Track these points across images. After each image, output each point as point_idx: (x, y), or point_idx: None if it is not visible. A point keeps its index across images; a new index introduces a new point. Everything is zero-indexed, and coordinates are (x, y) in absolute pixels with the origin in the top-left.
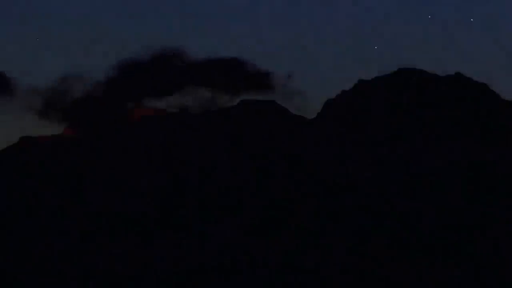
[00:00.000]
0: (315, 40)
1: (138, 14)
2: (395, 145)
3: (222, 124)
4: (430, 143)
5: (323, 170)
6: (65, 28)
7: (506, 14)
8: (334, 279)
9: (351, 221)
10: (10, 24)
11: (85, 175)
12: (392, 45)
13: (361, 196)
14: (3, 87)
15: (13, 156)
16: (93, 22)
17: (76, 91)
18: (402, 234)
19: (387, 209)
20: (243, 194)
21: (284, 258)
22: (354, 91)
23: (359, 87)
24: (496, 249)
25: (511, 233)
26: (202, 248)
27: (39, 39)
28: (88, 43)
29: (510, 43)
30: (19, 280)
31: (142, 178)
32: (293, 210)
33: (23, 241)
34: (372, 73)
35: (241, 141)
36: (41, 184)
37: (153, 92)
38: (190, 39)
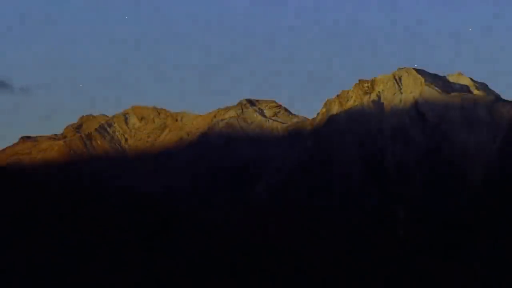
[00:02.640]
0: (314, 41)
1: None
2: (395, 142)
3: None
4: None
5: (324, 169)
6: None
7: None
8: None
9: (349, 220)
10: None
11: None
12: (391, 46)
13: (359, 196)
14: None
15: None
16: None
17: None
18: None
19: (387, 211)
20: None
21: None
22: (353, 91)
23: (359, 87)
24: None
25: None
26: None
27: None
28: None
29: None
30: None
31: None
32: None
33: (24, 247)
34: (371, 73)
35: (237, 143)
36: (41, 192)
37: None
38: None
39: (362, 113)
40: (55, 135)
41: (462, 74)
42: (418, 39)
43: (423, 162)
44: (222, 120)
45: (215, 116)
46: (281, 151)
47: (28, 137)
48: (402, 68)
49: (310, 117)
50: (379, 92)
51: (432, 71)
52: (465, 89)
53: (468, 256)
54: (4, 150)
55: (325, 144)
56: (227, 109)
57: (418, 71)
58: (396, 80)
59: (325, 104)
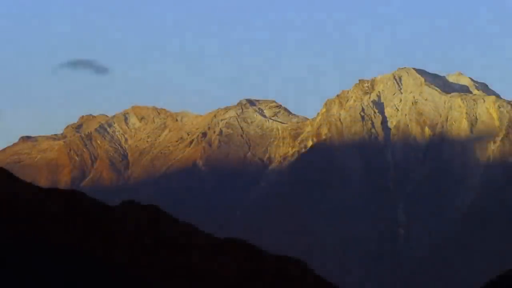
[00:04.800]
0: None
1: None
2: (395, 142)
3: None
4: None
5: (324, 165)
6: None
7: None
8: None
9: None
10: None
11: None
12: (390, 46)
13: (359, 195)
14: None
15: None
16: None
17: None
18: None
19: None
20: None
21: None
22: (353, 91)
23: (359, 87)
24: None
25: None
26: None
27: None
28: None
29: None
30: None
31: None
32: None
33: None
34: (371, 73)
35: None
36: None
37: None
38: None
39: (362, 113)
40: (55, 135)
41: (462, 74)
42: (418, 39)
43: (423, 162)
44: (222, 120)
45: (215, 116)
46: (282, 151)
47: (28, 137)
48: (402, 68)
49: (310, 117)
50: (379, 92)
51: (432, 71)
52: (465, 89)
53: (467, 255)
54: (4, 150)
55: (325, 144)
56: (227, 109)
57: (418, 71)
58: (396, 80)
59: (325, 104)
